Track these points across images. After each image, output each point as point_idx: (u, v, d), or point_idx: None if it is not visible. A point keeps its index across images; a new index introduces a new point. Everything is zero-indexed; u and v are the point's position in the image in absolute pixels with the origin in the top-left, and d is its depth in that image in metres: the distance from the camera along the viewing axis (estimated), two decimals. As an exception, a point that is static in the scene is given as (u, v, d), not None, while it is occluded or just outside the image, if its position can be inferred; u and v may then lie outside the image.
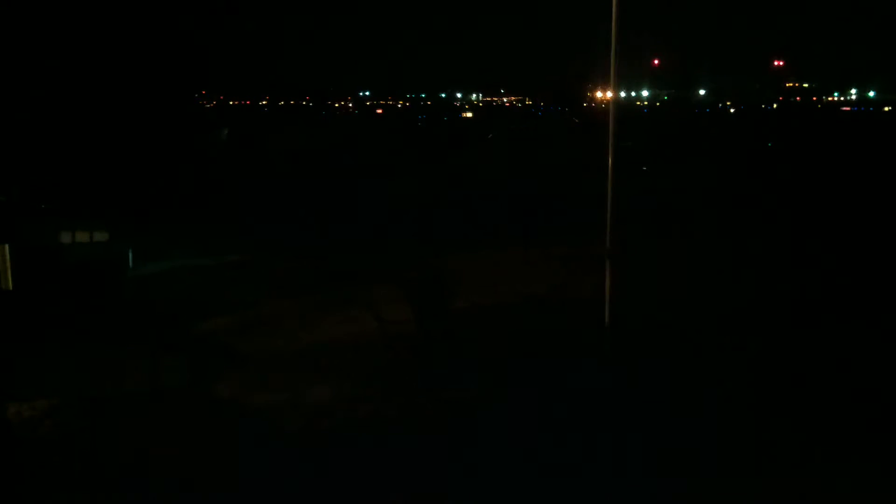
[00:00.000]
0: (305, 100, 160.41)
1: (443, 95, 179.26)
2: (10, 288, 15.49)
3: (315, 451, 9.77)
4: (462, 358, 12.75)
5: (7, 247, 15.49)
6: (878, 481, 8.89)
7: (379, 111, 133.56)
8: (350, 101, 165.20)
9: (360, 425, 10.50)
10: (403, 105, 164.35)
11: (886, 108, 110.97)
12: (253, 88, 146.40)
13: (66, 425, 10.57)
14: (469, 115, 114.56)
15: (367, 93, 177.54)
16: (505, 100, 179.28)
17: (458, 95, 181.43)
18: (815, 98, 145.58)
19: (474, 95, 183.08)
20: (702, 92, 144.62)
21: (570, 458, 9.42)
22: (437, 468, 9.29)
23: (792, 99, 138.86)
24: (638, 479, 8.98)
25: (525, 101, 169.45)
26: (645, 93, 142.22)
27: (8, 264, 15.42)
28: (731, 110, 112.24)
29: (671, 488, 8.78)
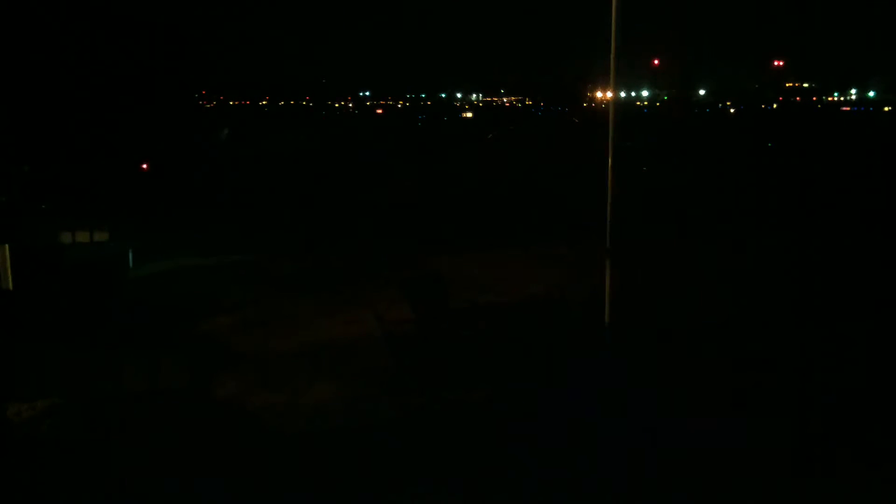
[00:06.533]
0: (305, 100, 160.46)
1: (443, 95, 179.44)
2: (10, 288, 15.49)
3: (315, 451, 9.76)
4: (462, 357, 12.75)
5: (7, 247, 15.49)
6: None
7: (379, 111, 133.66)
8: (350, 101, 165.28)
9: (360, 425, 10.49)
10: (403, 105, 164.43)
11: (886, 108, 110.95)
12: (253, 88, 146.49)
13: (66, 425, 10.57)
14: (469, 115, 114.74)
15: (367, 93, 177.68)
16: (505, 100, 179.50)
17: (458, 95, 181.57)
18: (815, 98, 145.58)
19: (474, 95, 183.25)
20: (702, 92, 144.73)
21: (570, 458, 9.41)
22: (438, 468, 9.28)
23: (792, 99, 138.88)
24: (639, 479, 8.98)
25: (525, 101, 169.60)
26: (645, 93, 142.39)
27: (8, 264, 15.41)
28: (731, 110, 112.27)
29: (670, 488, 8.78)
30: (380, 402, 11.21)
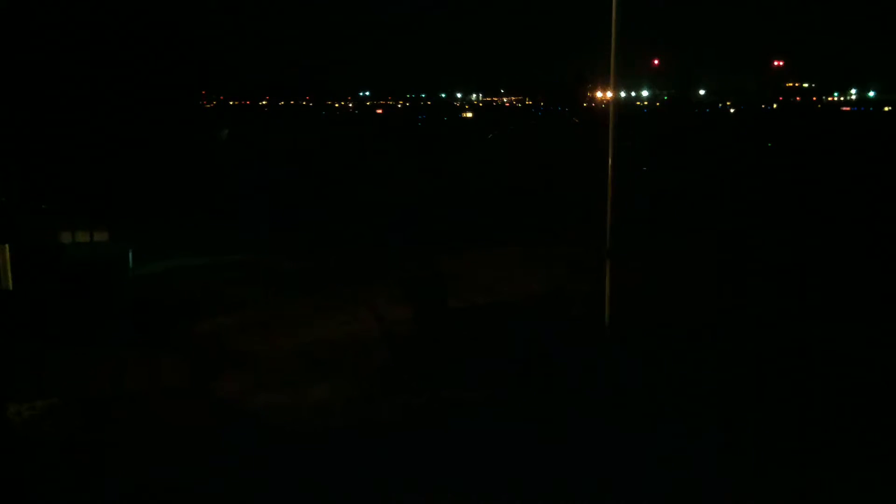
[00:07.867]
0: (305, 100, 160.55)
1: (443, 95, 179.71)
2: (10, 288, 15.48)
3: (315, 451, 9.76)
4: (462, 357, 12.75)
5: (7, 247, 15.48)
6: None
7: (379, 111, 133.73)
8: (350, 101, 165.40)
9: (361, 425, 10.50)
10: (403, 105, 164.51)
11: (886, 108, 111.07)
12: (253, 88, 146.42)
13: (66, 425, 10.57)
14: (469, 115, 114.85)
15: (367, 93, 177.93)
16: (505, 100, 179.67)
17: (458, 95, 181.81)
18: (815, 98, 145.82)
19: (474, 95, 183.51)
20: (702, 92, 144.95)
21: (570, 458, 9.42)
22: (438, 468, 9.29)
23: (792, 99, 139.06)
24: (638, 479, 8.99)
25: (525, 101, 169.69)
26: (645, 93, 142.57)
27: (8, 264, 15.40)
28: (731, 110, 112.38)
29: (668, 487, 8.79)
30: (380, 402, 11.22)
